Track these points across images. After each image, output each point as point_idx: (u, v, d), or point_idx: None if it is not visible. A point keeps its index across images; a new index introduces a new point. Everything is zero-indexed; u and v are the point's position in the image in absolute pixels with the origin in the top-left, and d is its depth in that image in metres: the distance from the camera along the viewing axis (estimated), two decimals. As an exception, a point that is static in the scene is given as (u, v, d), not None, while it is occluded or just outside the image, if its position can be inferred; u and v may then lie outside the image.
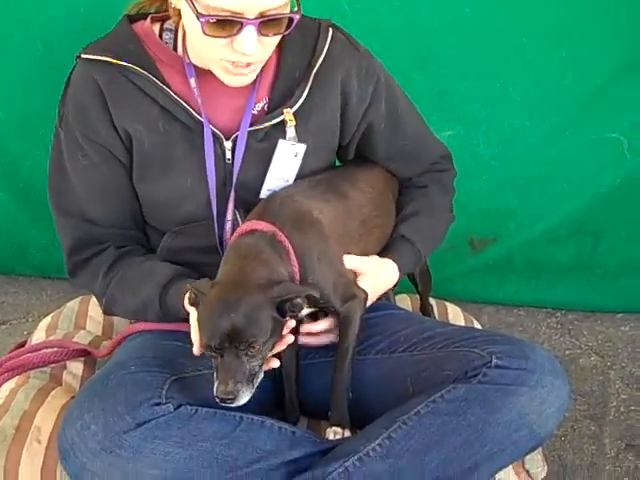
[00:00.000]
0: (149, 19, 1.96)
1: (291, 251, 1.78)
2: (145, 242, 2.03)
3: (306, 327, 1.90)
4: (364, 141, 2.07)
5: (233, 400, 1.65)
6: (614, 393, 2.78)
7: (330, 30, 1.96)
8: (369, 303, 1.92)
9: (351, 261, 1.91)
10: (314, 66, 1.92)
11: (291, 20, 1.78)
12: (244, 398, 1.67)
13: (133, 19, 1.97)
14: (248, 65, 1.80)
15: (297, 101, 1.91)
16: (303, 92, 1.92)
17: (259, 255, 1.76)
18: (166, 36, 1.94)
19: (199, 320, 1.71)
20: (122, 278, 1.95)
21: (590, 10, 2.60)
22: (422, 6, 2.60)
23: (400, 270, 2.02)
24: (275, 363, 1.75)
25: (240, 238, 1.81)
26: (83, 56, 1.90)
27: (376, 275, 1.96)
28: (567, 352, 2.98)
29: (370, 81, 1.99)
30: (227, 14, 1.70)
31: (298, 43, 1.94)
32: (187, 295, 1.76)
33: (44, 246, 3.09)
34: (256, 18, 1.71)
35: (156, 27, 1.95)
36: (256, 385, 1.70)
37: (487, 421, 1.69)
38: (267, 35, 1.76)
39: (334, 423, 1.85)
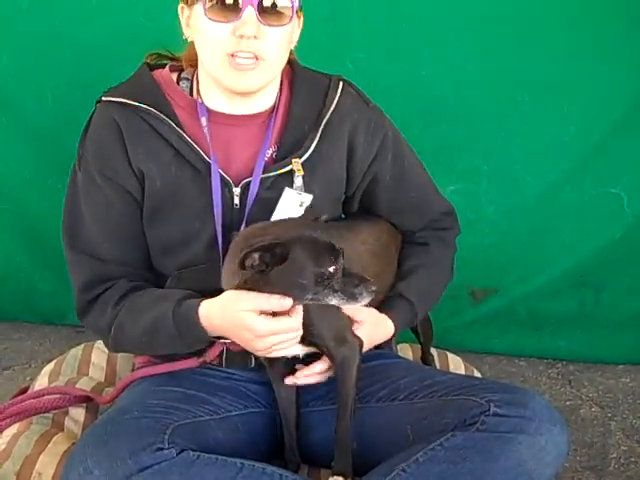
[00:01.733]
0: (167, 67, 2.03)
1: None
2: (154, 282, 2.04)
3: (301, 371, 1.92)
4: (368, 193, 2.10)
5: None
6: (614, 444, 2.77)
7: (341, 84, 2.01)
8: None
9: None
10: (324, 117, 1.97)
11: (292, 11, 1.85)
12: None
13: (152, 67, 2.04)
14: (252, 59, 1.85)
15: (306, 152, 1.95)
16: (312, 143, 1.96)
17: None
18: (183, 84, 2.01)
19: (301, 258, 1.71)
20: (133, 304, 1.95)
21: (591, 66, 2.65)
22: (424, 63, 2.66)
23: (396, 327, 2.04)
24: None
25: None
26: (104, 99, 1.97)
27: (373, 327, 1.97)
28: (568, 403, 2.98)
29: (377, 135, 2.03)
30: None
31: (308, 94, 1.99)
32: (257, 257, 1.70)
33: (49, 293, 3.11)
34: None
35: (174, 75, 2.03)
36: None
37: (486, 469, 1.70)
38: (268, 24, 1.83)
39: (337, 472, 1.85)
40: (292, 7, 1.86)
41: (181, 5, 1.93)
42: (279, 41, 1.87)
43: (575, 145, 2.75)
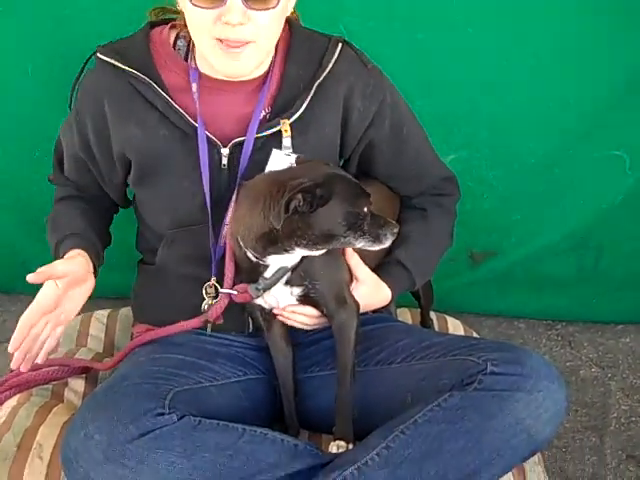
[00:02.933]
0: (168, 26, 2.01)
1: None
2: (103, 204, 2.18)
3: (291, 306, 1.90)
4: (365, 158, 2.08)
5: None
6: (615, 404, 2.78)
7: (339, 45, 1.98)
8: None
9: (356, 261, 1.93)
10: (317, 78, 1.94)
11: None
12: None
13: (155, 24, 2.02)
14: (240, 45, 1.82)
15: (296, 112, 1.93)
16: (303, 103, 1.93)
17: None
18: (180, 43, 1.99)
19: (344, 198, 1.75)
20: (51, 218, 2.14)
21: (593, 31, 2.59)
22: (423, 28, 2.59)
23: (392, 294, 2.04)
24: None
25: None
26: (99, 55, 1.97)
27: (371, 289, 1.98)
28: (568, 364, 2.99)
29: (374, 100, 2.01)
30: None
31: (305, 55, 1.96)
32: (301, 198, 1.71)
33: (45, 264, 3.08)
34: None
35: (173, 34, 2.00)
36: None
37: (484, 427, 1.70)
38: (255, 8, 1.78)
39: (338, 437, 1.86)
40: None
41: None
42: (268, 24, 1.83)
43: (576, 109, 2.71)
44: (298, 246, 1.77)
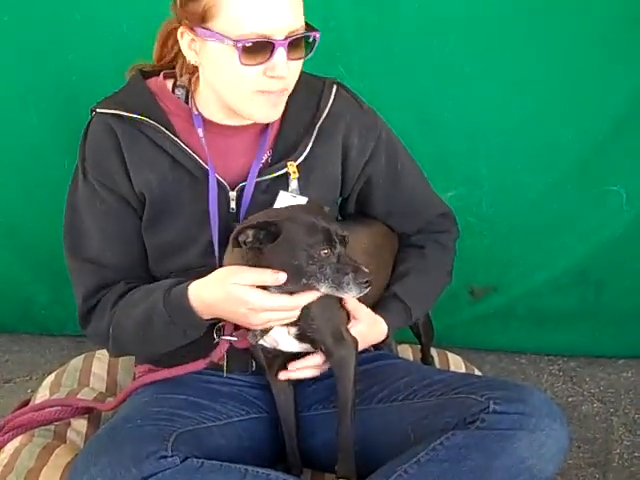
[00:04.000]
0: (162, 75, 2.03)
1: None
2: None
3: (294, 364, 1.91)
4: (363, 195, 2.10)
5: (370, 283, 1.72)
6: (617, 440, 2.77)
7: (334, 87, 2.02)
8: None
9: (352, 301, 1.92)
10: (317, 121, 1.98)
11: (312, 43, 1.85)
12: None
13: (146, 75, 2.03)
14: (282, 92, 1.86)
15: (300, 155, 1.96)
16: (307, 146, 1.97)
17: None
18: (178, 92, 2.01)
19: (293, 237, 1.72)
20: (127, 301, 1.95)
21: (591, 67, 2.63)
22: (420, 66, 2.64)
23: (389, 328, 2.03)
24: None
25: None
26: (98, 110, 1.97)
27: (367, 327, 1.97)
28: (569, 399, 2.98)
29: (371, 137, 2.04)
30: (259, 37, 1.78)
31: (303, 99, 1.99)
32: (250, 234, 1.72)
33: (47, 304, 3.11)
34: (285, 39, 1.79)
35: (169, 83, 2.02)
36: None
37: (487, 467, 1.70)
38: (294, 58, 1.83)
39: (341, 476, 1.86)
40: (315, 39, 1.85)
41: (182, 30, 1.88)
42: (299, 69, 1.90)
43: (575, 145, 2.74)
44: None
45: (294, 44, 1.81)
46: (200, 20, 1.82)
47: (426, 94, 2.65)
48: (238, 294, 1.74)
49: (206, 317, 1.84)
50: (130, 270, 2.01)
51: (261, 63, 1.80)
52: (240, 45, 1.77)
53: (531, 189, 2.82)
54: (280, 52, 1.79)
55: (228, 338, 1.90)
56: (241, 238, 1.73)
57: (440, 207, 2.19)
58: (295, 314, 1.80)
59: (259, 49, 1.79)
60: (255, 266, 1.75)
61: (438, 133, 2.71)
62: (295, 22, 1.81)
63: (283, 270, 1.72)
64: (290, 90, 1.90)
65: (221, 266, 1.87)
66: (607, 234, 2.87)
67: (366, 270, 1.74)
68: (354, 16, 2.61)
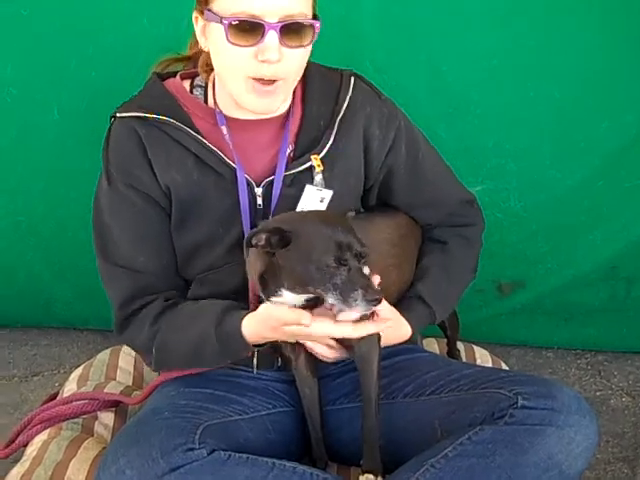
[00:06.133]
0: (179, 76, 2.03)
1: None
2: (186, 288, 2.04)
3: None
4: (385, 186, 2.09)
5: (380, 301, 1.67)
6: (646, 435, 2.75)
7: (352, 79, 2.01)
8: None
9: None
10: (338, 113, 1.98)
11: (313, 32, 1.84)
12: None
13: (162, 77, 2.04)
14: (273, 82, 1.84)
15: (323, 148, 1.96)
16: (329, 139, 1.96)
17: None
18: (196, 92, 2.01)
19: (304, 246, 1.70)
20: (173, 323, 1.94)
21: (621, 61, 2.59)
22: (447, 60, 2.60)
23: (413, 330, 2.02)
24: None
25: None
26: (118, 115, 1.97)
27: (394, 327, 1.95)
28: (598, 393, 2.95)
29: (391, 126, 2.03)
30: (249, 17, 1.77)
31: (322, 92, 1.99)
32: (263, 237, 1.72)
33: (69, 302, 3.12)
34: (278, 22, 1.78)
35: (186, 84, 2.03)
36: None
37: (515, 462, 1.69)
38: (290, 46, 1.82)
39: (366, 470, 1.85)
40: (313, 27, 1.84)
41: (195, 15, 1.91)
42: (300, 61, 1.87)
43: (607, 140, 2.68)
44: (282, 287, 1.77)
45: (290, 29, 1.80)
46: (205, 2, 1.84)
47: (452, 88, 2.62)
48: (298, 333, 1.77)
49: (256, 342, 1.86)
50: (164, 275, 2.01)
51: (252, 45, 1.80)
52: (226, 22, 1.78)
53: (560, 185, 2.78)
54: (271, 35, 1.78)
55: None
56: (254, 240, 1.73)
57: (463, 194, 2.18)
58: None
59: (249, 30, 1.79)
60: (272, 274, 1.76)
61: (465, 128, 2.68)
62: (291, 6, 1.79)
63: (293, 276, 1.73)
64: (289, 83, 1.89)
65: None
66: (639, 231, 2.84)
67: (377, 288, 1.71)
68: (377, 8, 2.59)
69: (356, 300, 1.66)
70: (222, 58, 1.87)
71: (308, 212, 1.90)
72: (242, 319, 1.81)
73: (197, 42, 1.97)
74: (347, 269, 1.68)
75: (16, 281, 3.09)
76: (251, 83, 1.84)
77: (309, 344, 1.89)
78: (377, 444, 1.86)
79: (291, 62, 1.84)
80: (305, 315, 1.70)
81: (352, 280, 1.67)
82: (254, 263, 1.81)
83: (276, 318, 1.75)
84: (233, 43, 1.80)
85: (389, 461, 1.85)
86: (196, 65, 2.02)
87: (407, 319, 2.00)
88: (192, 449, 1.71)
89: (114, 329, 2.02)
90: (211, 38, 1.88)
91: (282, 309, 1.74)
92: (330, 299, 1.69)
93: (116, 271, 1.99)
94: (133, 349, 2.09)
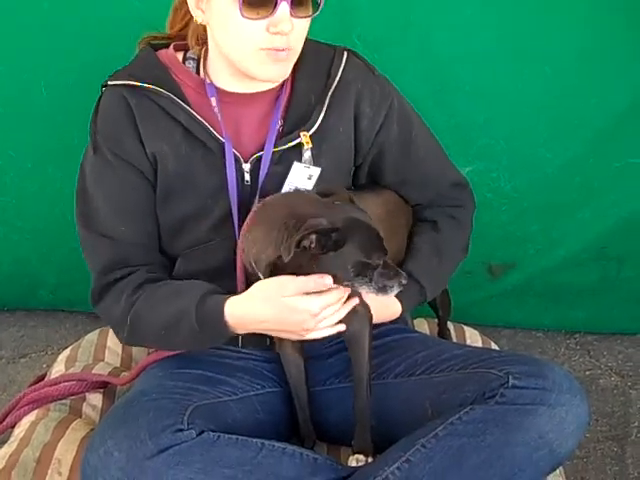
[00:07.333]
0: (172, 47, 2.01)
1: None
2: (170, 268, 2.01)
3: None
4: (375, 164, 2.08)
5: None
6: (635, 413, 2.75)
7: (345, 54, 2.00)
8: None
9: None
10: (329, 90, 1.96)
11: (319, 2, 1.84)
12: None
13: (155, 47, 2.02)
14: (285, 50, 1.84)
15: (313, 124, 1.94)
16: (319, 115, 1.95)
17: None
18: (189, 64, 1.99)
19: (354, 250, 1.70)
20: (152, 295, 1.91)
21: (611, 37, 2.57)
22: (437, 36, 2.58)
23: (403, 308, 2.01)
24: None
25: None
26: (110, 83, 1.95)
27: (381, 305, 1.95)
28: (587, 373, 2.96)
29: (383, 104, 2.01)
30: None
31: (313, 67, 1.97)
32: (314, 239, 1.68)
33: (55, 285, 3.11)
34: None
35: (180, 55, 2.01)
36: None
37: (506, 441, 1.69)
38: (299, 16, 1.82)
39: (357, 450, 1.86)
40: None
41: None
42: (305, 29, 1.87)
43: (595, 118, 2.68)
44: None
45: (298, 2, 1.80)
46: None
47: (443, 65, 2.61)
48: (297, 305, 1.73)
49: (240, 332, 1.83)
50: (146, 248, 1.98)
51: (264, 17, 1.79)
52: None
53: (551, 164, 2.77)
54: (283, 7, 1.78)
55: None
56: (305, 243, 1.68)
57: (455, 176, 2.16)
58: (344, 311, 1.79)
59: (261, 3, 1.78)
60: (295, 266, 1.71)
61: (455, 106, 2.67)
62: None
63: (331, 273, 1.71)
64: (297, 51, 1.88)
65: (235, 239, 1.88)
66: (629, 209, 2.82)
67: (403, 273, 1.77)
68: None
69: (392, 288, 1.74)
70: (230, 31, 1.84)
71: (338, 206, 1.81)
72: (226, 300, 1.79)
73: (180, 20, 1.96)
74: (383, 262, 1.73)
75: (1, 263, 3.07)
76: (264, 54, 1.83)
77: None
78: (368, 424, 1.85)
79: (300, 32, 1.85)
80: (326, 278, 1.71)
81: (387, 272, 1.74)
82: (263, 248, 1.77)
83: (300, 308, 1.73)
84: (246, 17, 1.79)
85: (380, 441, 1.85)
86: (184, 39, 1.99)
87: (397, 296, 1.98)
88: (181, 430, 1.69)
89: (91, 299, 1.99)
90: (213, 12, 1.85)
91: (309, 300, 1.73)
92: (364, 289, 1.74)
93: (97, 239, 1.96)
94: (108, 321, 2.02)
